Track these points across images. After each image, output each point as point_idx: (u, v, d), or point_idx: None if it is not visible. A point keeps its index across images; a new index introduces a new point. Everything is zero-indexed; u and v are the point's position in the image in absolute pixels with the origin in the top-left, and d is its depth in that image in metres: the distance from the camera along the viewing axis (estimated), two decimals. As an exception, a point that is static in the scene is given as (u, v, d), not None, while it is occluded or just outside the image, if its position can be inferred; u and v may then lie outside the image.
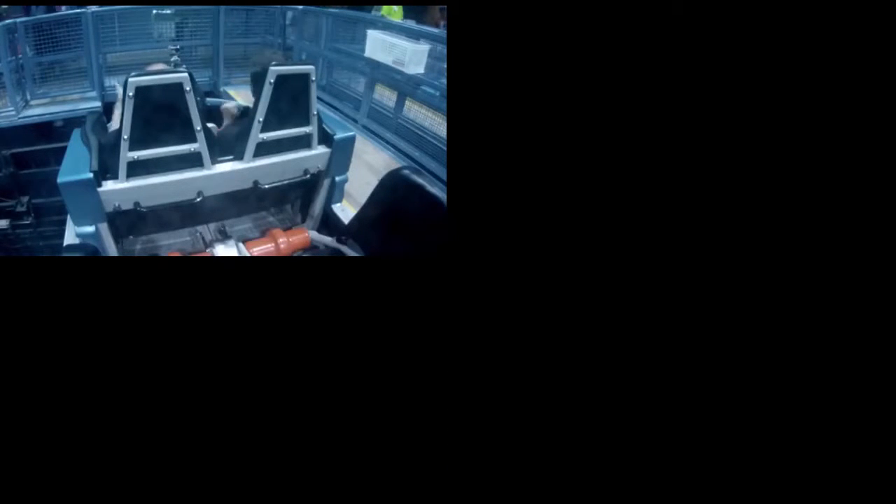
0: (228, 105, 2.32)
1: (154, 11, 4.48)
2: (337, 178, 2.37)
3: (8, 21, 3.72)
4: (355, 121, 4.40)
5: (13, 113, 3.74)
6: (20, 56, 3.85)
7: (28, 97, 3.95)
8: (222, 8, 4.56)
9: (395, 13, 4.96)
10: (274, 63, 1.92)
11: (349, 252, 2.20)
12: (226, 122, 2.28)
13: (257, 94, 1.97)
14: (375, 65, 4.14)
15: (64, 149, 1.97)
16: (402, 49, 3.77)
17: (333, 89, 4.83)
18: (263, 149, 2.05)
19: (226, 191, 2.08)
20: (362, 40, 4.17)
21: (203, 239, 2.29)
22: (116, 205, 1.86)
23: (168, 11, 4.54)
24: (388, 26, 4.20)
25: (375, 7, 5.26)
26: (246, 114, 2.21)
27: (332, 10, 4.74)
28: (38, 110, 3.83)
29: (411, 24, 4.39)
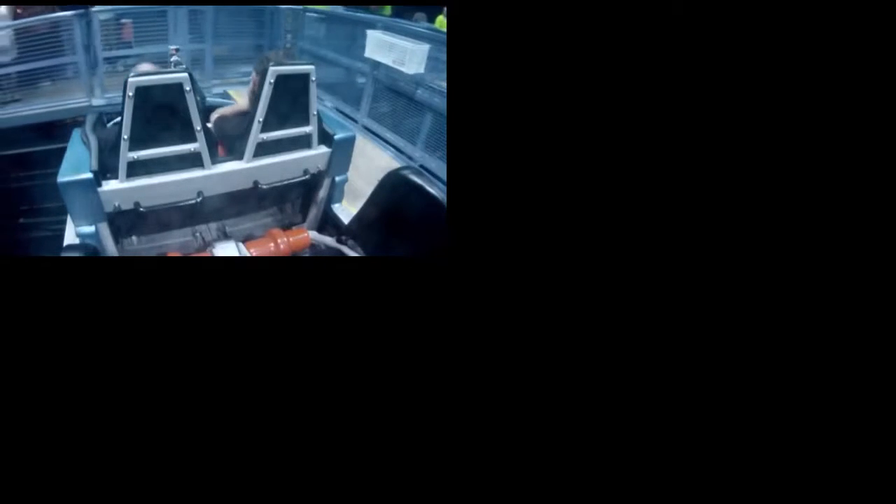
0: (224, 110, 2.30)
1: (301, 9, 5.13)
2: (337, 178, 2.37)
3: (118, 7, 4.23)
4: (355, 121, 4.40)
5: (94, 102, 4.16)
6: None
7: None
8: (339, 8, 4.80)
9: (443, 24, 4.96)
10: (273, 63, 1.92)
11: (349, 252, 2.20)
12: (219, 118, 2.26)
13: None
14: (375, 65, 4.14)
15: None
16: (402, 49, 3.77)
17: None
18: (263, 149, 2.05)
19: (226, 191, 2.08)
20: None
21: (203, 239, 2.29)
22: (116, 205, 1.86)
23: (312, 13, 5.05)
24: (388, 26, 4.19)
25: (416, 14, 5.28)
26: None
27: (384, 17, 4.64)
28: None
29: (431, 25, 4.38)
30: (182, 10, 4.33)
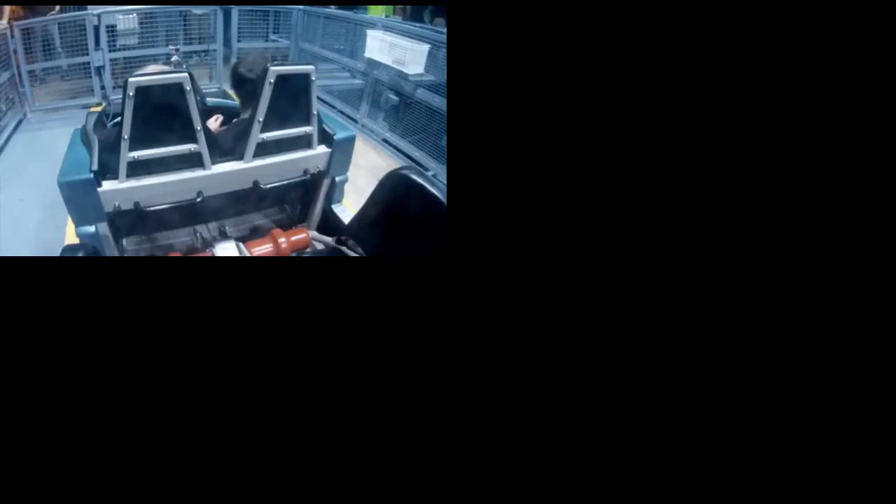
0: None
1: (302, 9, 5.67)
2: (337, 178, 2.37)
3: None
4: (355, 121, 4.41)
5: (216, 89, 4.74)
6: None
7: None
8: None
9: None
10: (274, 63, 1.91)
11: (349, 252, 2.20)
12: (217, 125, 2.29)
13: (245, 96, 1.98)
14: (375, 65, 4.15)
15: None
16: (402, 49, 3.78)
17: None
18: (263, 149, 2.05)
19: (226, 191, 2.08)
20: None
21: (203, 239, 2.29)
22: (116, 205, 1.85)
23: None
24: (388, 26, 4.20)
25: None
26: (234, 116, 2.23)
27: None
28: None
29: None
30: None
